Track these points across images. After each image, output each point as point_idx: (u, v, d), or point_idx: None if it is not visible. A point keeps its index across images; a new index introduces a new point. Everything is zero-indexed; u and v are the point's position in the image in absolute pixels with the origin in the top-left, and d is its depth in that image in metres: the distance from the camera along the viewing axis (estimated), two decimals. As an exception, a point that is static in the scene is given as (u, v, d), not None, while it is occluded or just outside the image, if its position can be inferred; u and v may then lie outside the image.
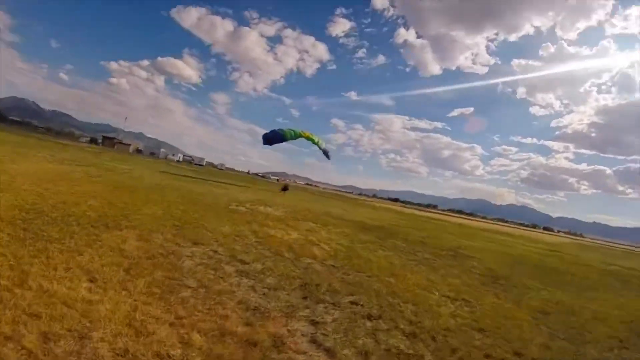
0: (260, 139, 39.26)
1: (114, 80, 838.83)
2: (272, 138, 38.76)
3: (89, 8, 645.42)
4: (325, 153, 43.57)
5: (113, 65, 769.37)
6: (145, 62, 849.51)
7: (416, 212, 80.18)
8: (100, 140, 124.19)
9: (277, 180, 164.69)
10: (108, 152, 65.60)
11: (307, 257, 9.98)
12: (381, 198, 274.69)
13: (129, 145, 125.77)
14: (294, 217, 18.24)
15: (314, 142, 40.24)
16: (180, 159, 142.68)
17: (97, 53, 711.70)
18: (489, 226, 73.85)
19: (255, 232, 12.00)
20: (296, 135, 38.23)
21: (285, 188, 42.17)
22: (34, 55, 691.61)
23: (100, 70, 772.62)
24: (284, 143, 39.76)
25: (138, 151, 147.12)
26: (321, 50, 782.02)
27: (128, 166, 33.54)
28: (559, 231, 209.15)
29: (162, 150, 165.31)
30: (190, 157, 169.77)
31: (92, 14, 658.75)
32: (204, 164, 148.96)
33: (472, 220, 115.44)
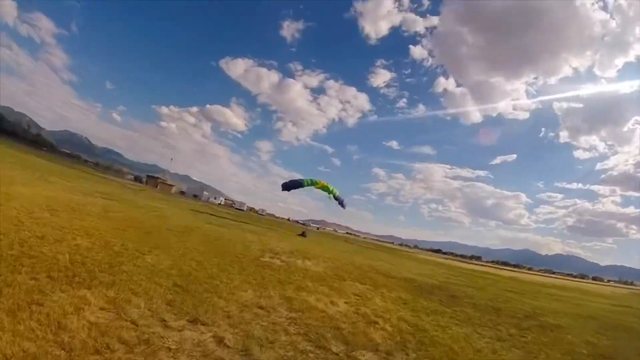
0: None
1: (164, 124, 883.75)
2: (290, 185, 41.89)
3: (144, 54, 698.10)
4: (340, 202, 44.25)
5: (164, 109, 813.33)
6: (194, 109, 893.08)
7: (461, 264, 73.74)
8: (144, 179, 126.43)
9: (318, 228, 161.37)
10: (148, 191, 65.14)
11: (363, 347, 6.41)
12: (423, 249, 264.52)
13: (172, 185, 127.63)
14: (338, 275, 14.71)
15: (328, 192, 41.92)
16: (222, 202, 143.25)
17: (149, 97, 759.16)
18: (540, 279, 65.95)
19: (289, 300, 8.53)
20: (312, 183, 40.87)
21: (303, 234, 42.36)
22: (89, 95, 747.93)
23: (152, 114, 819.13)
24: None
25: (181, 193, 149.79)
26: (362, 101, 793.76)
27: (162, 205, 31.61)
28: (609, 280, 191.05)
29: (205, 192, 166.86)
30: (232, 200, 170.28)
31: (147, 60, 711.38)
32: (245, 208, 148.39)
33: (520, 272, 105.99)
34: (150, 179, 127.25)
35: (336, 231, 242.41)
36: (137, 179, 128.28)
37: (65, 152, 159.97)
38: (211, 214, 39.98)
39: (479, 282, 27.21)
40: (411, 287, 16.35)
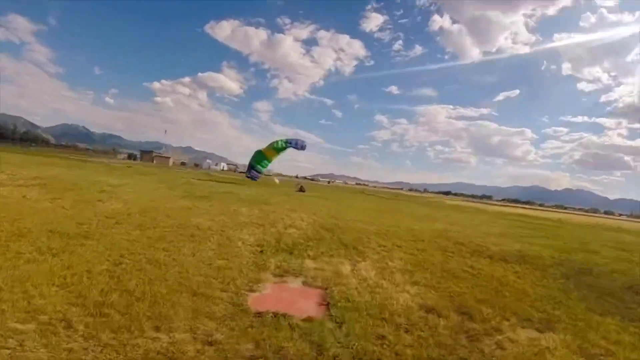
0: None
1: (158, 99, 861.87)
2: (252, 176, 42.54)
3: (126, 34, 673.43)
4: (296, 145, 41.46)
5: (156, 85, 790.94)
6: (187, 79, 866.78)
7: (505, 209, 66.57)
8: (138, 155, 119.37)
9: (329, 182, 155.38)
10: (137, 167, 57.78)
11: None
12: (432, 192, 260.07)
13: (169, 157, 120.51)
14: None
15: (281, 150, 41.03)
16: (225, 168, 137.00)
17: (139, 75, 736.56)
18: (592, 220, 59.43)
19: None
20: (265, 158, 41.35)
21: (301, 189, 40.47)
22: (78, 84, 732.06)
23: (144, 91, 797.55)
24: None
25: (182, 164, 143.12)
26: (357, 48, 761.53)
27: (128, 181, 24.01)
28: (620, 214, 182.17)
29: (207, 161, 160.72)
30: (235, 165, 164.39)
31: (130, 39, 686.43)
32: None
33: (556, 212, 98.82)
34: (145, 154, 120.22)
35: (346, 183, 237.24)
36: (130, 156, 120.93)
37: (60, 145, 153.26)
38: (197, 183, 33.13)
39: (565, 238, 20.08)
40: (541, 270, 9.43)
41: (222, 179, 48.29)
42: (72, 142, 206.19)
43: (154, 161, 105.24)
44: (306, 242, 10.11)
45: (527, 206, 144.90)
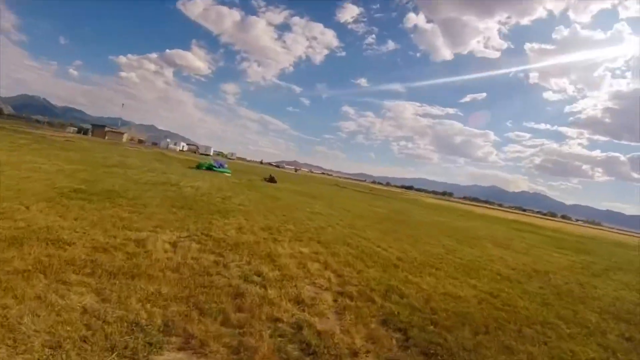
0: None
1: (123, 74, 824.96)
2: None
3: (95, 3, 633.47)
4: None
5: (122, 59, 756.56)
6: (154, 55, 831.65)
7: (530, 220, 63.52)
8: (90, 130, 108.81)
9: (296, 170, 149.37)
10: (78, 142, 49.60)
11: None
12: (394, 185, 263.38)
13: (123, 134, 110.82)
14: None
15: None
16: (184, 148, 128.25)
17: (105, 48, 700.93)
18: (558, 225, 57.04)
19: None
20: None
21: (272, 180, 34.73)
22: (42, 53, 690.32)
23: (110, 65, 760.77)
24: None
25: (140, 141, 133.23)
26: (330, 37, 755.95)
27: (31, 157, 17.65)
28: (577, 220, 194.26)
29: (167, 140, 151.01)
30: (196, 145, 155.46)
31: (98, 9, 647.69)
32: (211, 153, 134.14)
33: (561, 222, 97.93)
34: (97, 128, 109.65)
35: (312, 171, 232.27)
36: (80, 130, 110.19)
37: (12, 115, 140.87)
38: (131, 167, 26.55)
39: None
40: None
41: (168, 164, 41.28)
42: (32, 114, 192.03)
43: (106, 137, 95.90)
44: None
45: (488, 206, 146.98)
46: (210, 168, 34.98)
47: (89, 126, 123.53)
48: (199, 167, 35.34)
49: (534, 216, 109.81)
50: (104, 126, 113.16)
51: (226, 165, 38.31)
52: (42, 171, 14.07)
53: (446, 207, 48.30)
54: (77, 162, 19.48)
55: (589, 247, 24.22)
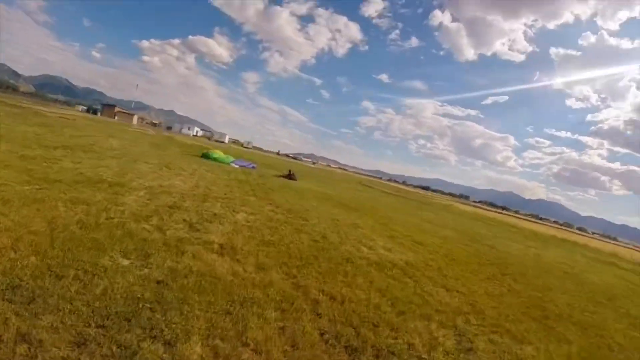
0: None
1: (146, 58, 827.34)
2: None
3: None
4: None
5: (144, 43, 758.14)
6: (177, 41, 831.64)
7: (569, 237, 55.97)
8: (100, 109, 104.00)
9: (313, 163, 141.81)
10: (79, 120, 43.69)
11: None
12: (410, 185, 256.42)
13: (133, 115, 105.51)
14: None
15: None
16: (198, 134, 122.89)
17: (129, 32, 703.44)
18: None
19: None
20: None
21: (290, 176, 27.23)
22: (66, 35, 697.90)
23: (132, 49, 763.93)
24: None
25: (153, 124, 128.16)
26: (354, 31, 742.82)
27: None
28: (593, 233, 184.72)
29: (176, 124, 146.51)
30: (211, 132, 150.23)
31: None
32: (227, 140, 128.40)
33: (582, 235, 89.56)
34: (107, 108, 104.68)
35: (329, 165, 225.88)
36: (89, 109, 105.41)
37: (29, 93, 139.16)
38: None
39: None
40: None
41: (164, 150, 34.72)
42: (52, 93, 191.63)
43: (115, 117, 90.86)
44: None
45: (504, 212, 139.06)
46: (217, 160, 27.11)
47: (99, 106, 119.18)
48: (205, 157, 27.82)
49: (571, 231, 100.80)
50: (114, 106, 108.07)
51: (252, 165, 30.77)
52: None
53: (502, 222, 40.50)
54: (20, 140, 13.08)
55: None
